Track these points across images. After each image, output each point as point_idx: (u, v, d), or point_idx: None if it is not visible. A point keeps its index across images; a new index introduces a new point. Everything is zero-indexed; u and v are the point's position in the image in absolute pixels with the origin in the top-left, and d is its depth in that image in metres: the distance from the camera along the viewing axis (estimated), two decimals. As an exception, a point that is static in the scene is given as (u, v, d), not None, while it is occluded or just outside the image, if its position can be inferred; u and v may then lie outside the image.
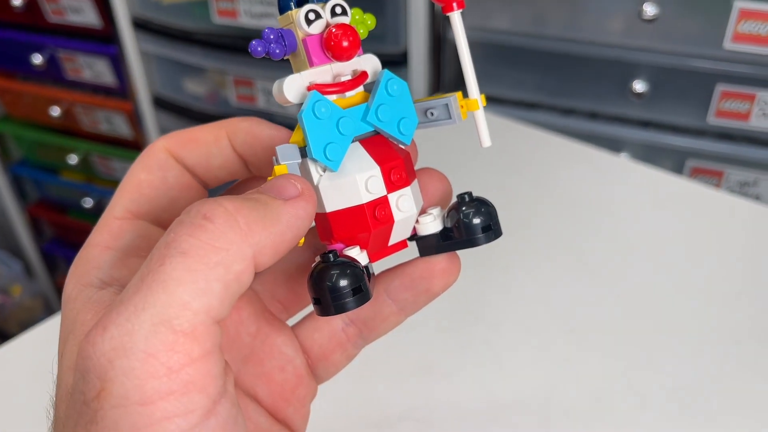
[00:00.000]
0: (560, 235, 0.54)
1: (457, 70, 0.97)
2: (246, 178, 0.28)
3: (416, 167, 0.27)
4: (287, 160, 0.23)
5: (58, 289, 1.72)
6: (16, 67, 1.30)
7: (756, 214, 0.56)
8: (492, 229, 0.24)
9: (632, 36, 0.80)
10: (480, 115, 0.25)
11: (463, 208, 0.25)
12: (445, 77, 0.96)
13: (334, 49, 0.23)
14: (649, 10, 0.76)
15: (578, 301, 0.48)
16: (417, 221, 0.25)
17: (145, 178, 0.24)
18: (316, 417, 0.28)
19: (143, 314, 0.17)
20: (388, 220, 0.24)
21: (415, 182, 0.26)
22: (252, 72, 1.05)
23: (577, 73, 0.87)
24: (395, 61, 0.94)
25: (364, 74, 0.25)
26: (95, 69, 1.21)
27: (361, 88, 0.25)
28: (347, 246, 0.24)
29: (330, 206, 0.24)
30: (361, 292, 0.23)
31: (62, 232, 1.63)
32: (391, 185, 0.24)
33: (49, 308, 1.68)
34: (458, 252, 0.26)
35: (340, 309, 0.23)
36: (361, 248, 0.24)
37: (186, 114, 1.17)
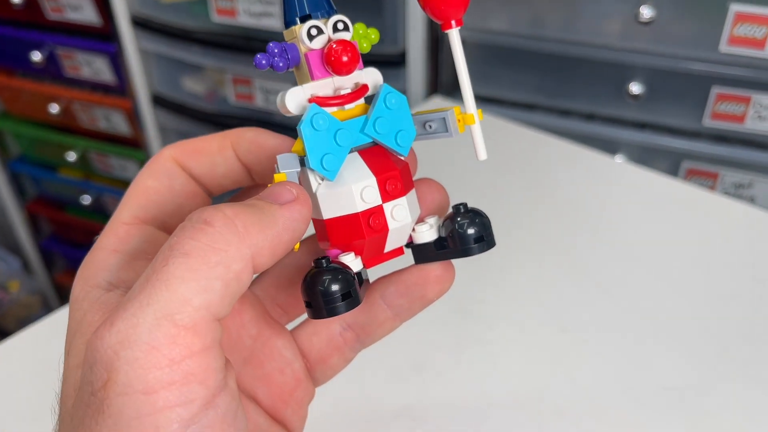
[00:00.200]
0: (555, 236, 0.55)
1: (453, 71, 0.97)
2: (249, 186, 0.29)
3: (417, 176, 0.27)
4: (287, 169, 0.24)
5: (56, 285, 1.72)
6: (16, 64, 1.30)
7: (748, 216, 0.57)
8: (485, 240, 0.25)
9: (629, 38, 0.81)
10: (476, 129, 0.26)
11: (458, 219, 0.25)
12: (442, 78, 0.96)
13: (334, 64, 0.24)
14: (646, 12, 0.77)
15: (572, 301, 0.48)
16: (413, 229, 0.26)
17: (152, 185, 0.25)
18: (310, 415, 0.29)
19: (147, 309, 0.18)
20: (383, 229, 0.25)
21: (413, 192, 0.26)
22: (251, 71, 1.05)
23: (575, 74, 0.87)
24: (393, 62, 0.94)
25: (364, 88, 0.26)
26: (94, 67, 1.21)
27: (361, 101, 0.26)
28: (343, 252, 0.25)
29: (327, 213, 0.25)
30: (350, 297, 0.24)
31: (60, 228, 1.63)
32: (387, 195, 0.25)
33: (46, 304, 1.68)
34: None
35: (330, 313, 0.24)
36: (356, 254, 0.25)
37: (185, 112, 1.17)
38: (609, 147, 0.89)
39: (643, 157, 0.88)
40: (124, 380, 0.18)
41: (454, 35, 0.25)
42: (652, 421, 0.40)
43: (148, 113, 1.22)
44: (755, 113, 0.79)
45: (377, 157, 0.25)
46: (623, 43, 0.81)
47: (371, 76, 0.26)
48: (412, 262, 0.27)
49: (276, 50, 0.24)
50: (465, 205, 0.26)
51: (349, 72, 0.25)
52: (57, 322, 0.48)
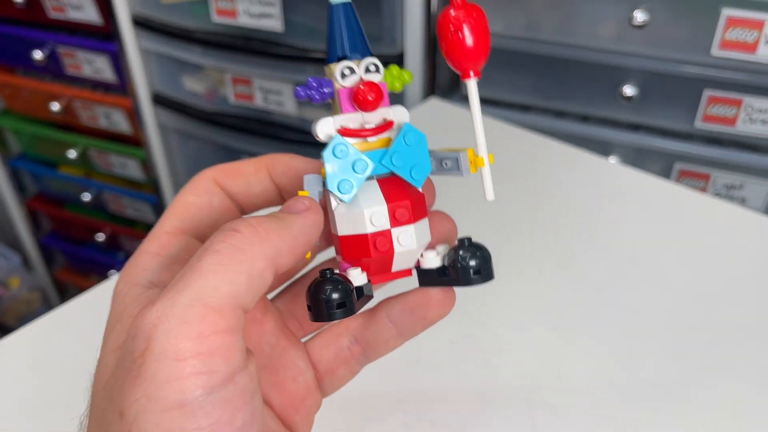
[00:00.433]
0: (548, 236, 0.56)
1: (450, 72, 0.98)
2: None
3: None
4: (310, 188, 0.28)
5: (56, 282, 1.73)
6: (17, 63, 1.31)
7: (738, 217, 0.58)
8: (482, 273, 0.28)
9: (623, 41, 0.82)
10: (486, 171, 0.28)
11: (461, 252, 0.28)
12: (440, 78, 0.97)
13: (360, 102, 0.28)
14: (639, 16, 0.78)
15: (563, 300, 0.49)
16: (422, 255, 0.29)
17: (192, 201, 0.29)
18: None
19: (183, 294, 0.22)
20: (388, 251, 0.28)
21: (424, 221, 0.29)
22: (250, 71, 1.06)
23: (570, 76, 0.88)
24: (392, 63, 0.95)
25: (388, 124, 0.29)
26: (95, 65, 1.22)
27: (384, 135, 0.28)
28: (352, 266, 0.28)
29: (341, 231, 0.28)
30: (345, 307, 0.27)
31: (60, 225, 1.64)
32: (395, 221, 0.28)
33: (46, 301, 1.69)
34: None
35: (327, 318, 0.27)
36: (362, 270, 0.28)
37: (184, 111, 1.18)
38: (604, 148, 0.90)
39: (637, 158, 0.90)
40: (160, 348, 0.21)
41: (472, 85, 0.28)
42: (640, 416, 0.41)
43: (149, 112, 1.23)
44: (746, 116, 0.80)
45: (393, 186, 0.28)
46: (617, 46, 0.82)
47: (398, 114, 0.29)
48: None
49: (314, 84, 0.28)
50: (469, 239, 0.29)
51: (373, 109, 0.28)
52: (57, 318, 0.49)
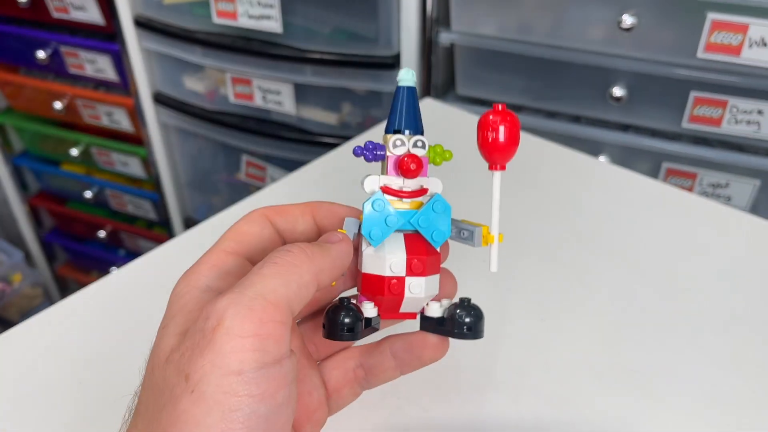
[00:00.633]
0: (538, 231, 0.58)
1: (445, 73, 1.00)
2: None
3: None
4: (348, 228, 0.33)
5: (57, 278, 1.75)
6: (21, 61, 1.33)
7: (720, 214, 0.60)
8: (472, 331, 0.33)
9: (612, 44, 0.84)
10: (495, 247, 0.33)
11: (458, 310, 0.33)
12: (435, 81, 0.99)
13: (403, 170, 0.33)
14: (628, 20, 0.80)
15: (549, 293, 0.52)
16: (427, 304, 0.34)
17: (247, 230, 0.33)
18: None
19: (249, 289, 0.27)
20: (399, 295, 0.33)
21: (436, 276, 0.34)
22: (250, 71, 1.08)
23: (561, 78, 0.90)
24: (387, 64, 0.98)
25: (423, 190, 0.34)
26: (97, 65, 1.23)
27: (419, 199, 0.34)
28: (367, 299, 0.33)
29: (365, 269, 0.33)
30: (352, 332, 0.32)
31: (62, 222, 1.66)
32: (410, 271, 0.33)
33: (48, 296, 1.71)
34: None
35: (337, 337, 0.32)
36: (375, 305, 0.33)
37: (185, 110, 1.20)
38: (594, 147, 0.92)
39: (626, 157, 0.92)
40: (229, 325, 0.26)
41: (497, 176, 0.33)
42: (619, 400, 0.43)
43: (150, 111, 1.24)
44: (732, 117, 0.83)
45: (416, 242, 0.33)
46: (606, 48, 0.85)
47: (433, 184, 0.34)
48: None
49: (370, 146, 0.33)
50: (468, 300, 0.34)
51: (413, 177, 0.33)
52: (56, 314, 0.51)
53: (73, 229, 1.64)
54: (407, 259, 0.33)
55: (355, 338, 0.32)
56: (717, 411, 0.43)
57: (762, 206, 0.88)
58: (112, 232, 1.57)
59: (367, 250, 0.33)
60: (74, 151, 1.40)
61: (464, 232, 0.34)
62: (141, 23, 1.13)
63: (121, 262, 1.55)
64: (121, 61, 1.20)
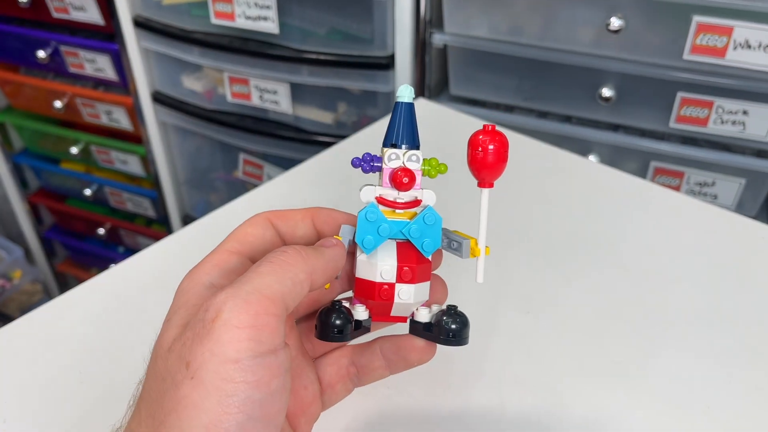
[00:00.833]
0: (525, 227, 0.60)
1: (439, 73, 1.02)
2: None
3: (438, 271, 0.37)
4: (344, 234, 0.35)
5: (57, 274, 1.76)
6: (21, 61, 1.34)
7: (705, 212, 0.62)
8: (456, 338, 0.35)
9: (600, 46, 0.85)
10: (481, 260, 0.35)
11: (444, 317, 0.35)
12: (428, 81, 1.01)
13: (395, 184, 0.35)
14: (615, 22, 0.82)
15: (536, 287, 0.53)
16: (417, 309, 0.36)
17: (250, 231, 0.35)
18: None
19: (246, 285, 0.29)
20: (389, 300, 0.35)
21: (426, 283, 0.35)
22: (247, 71, 1.09)
23: (551, 78, 0.92)
24: (382, 65, 0.99)
25: (417, 202, 0.35)
26: (97, 64, 1.25)
27: (412, 210, 0.35)
28: (359, 303, 0.35)
29: (358, 274, 0.35)
30: (342, 334, 0.34)
31: (62, 219, 1.67)
32: (400, 278, 0.35)
33: (48, 292, 1.72)
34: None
35: (327, 338, 0.34)
36: (366, 308, 0.35)
37: (184, 109, 1.21)
38: (584, 147, 0.94)
39: (616, 156, 0.93)
40: (227, 317, 0.27)
41: (486, 193, 0.35)
42: (601, 389, 0.45)
43: (149, 110, 1.26)
44: (717, 117, 0.84)
45: (407, 251, 0.35)
46: (595, 50, 0.86)
47: (426, 196, 0.36)
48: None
49: (368, 158, 0.35)
50: (455, 307, 0.35)
51: (405, 190, 0.35)
52: (55, 308, 0.52)
53: (73, 226, 1.65)
54: (398, 266, 0.35)
55: (344, 339, 0.34)
56: (696, 400, 0.45)
57: (747, 204, 0.90)
58: (112, 229, 1.57)
59: (360, 257, 0.35)
60: (74, 150, 1.41)
61: (454, 243, 0.35)
62: (140, 23, 1.14)
63: (120, 259, 1.55)
64: (120, 61, 1.21)
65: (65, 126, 1.42)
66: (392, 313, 0.36)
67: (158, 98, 1.23)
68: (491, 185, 0.35)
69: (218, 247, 0.35)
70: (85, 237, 1.66)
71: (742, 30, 0.77)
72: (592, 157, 0.93)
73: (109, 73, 1.25)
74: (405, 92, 0.36)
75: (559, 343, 0.49)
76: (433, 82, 1.01)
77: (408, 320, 0.36)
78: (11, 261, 1.57)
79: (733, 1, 0.76)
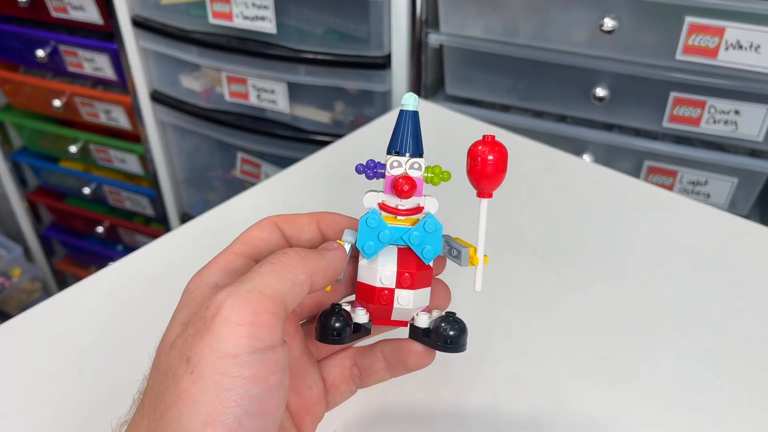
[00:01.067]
0: (519, 225, 0.61)
1: (435, 73, 1.03)
2: None
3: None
4: (346, 239, 0.36)
5: (56, 272, 1.76)
6: (20, 60, 1.34)
7: (698, 211, 0.63)
8: (453, 345, 0.35)
9: (594, 46, 0.86)
10: (479, 269, 0.35)
11: (443, 324, 0.35)
12: (424, 79, 1.01)
13: (396, 191, 0.35)
14: (609, 23, 0.82)
15: (528, 284, 0.54)
16: (417, 314, 0.36)
17: (257, 234, 0.36)
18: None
19: (247, 284, 0.30)
20: (388, 305, 0.35)
21: (426, 289, 0.36)
22: (245, 70, 1.10)
23: (546, 78, 0.93)
24: (378, 65, 1.00)
25: (418, 209, 0.36)
26: (96, 63, 1.25)
27: (414, 216, 0.36)
28: (361, 306, 0.36)
29: (360, 278, 0.36)
30: (340, 336, 0.35)
31: (61, 218, 1.67)
32: (399, 284, 0.35)
33: (47, 291, 1.72)
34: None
35: (325, 341, 0.35)
36: (367, 311, 0.36)
37: (182, 108, 1.21)
38: (579, 146, 0.95)
39: (610, 156, 0.94)
40: (227, 314, 0.28)
41: (484, 203, 0.35)
42: (591, 385, 0.46)
43: (147, 109, 1.26)
44: (710, 116, 0.85)
45: (408, 257, 0.36)
46: (589, 50, 0.87)
47: (428, 204, 0.36)
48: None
49: (371, 165, 0.36)
50: (454, 314, 0.36)
51: (406, 197, 0.35)
52: (54, 306, 0.52)
53: (72, 224, 1.66)
54: (397, 272, 0.35)
55: (342, 342, 0.35)
56: (686, 397, 0.45)
57: (740, 203, 0.91)
58: (110, 227, 1.58)
59: (362, 261, 0.36)
60: (73, 148, 1.41)
61: (454, 250, 0.36)
62: (139, 23, 1.14)
63: (119, 257, 1.54)
64: (119, 60, 1.22)
65: (64, 125, 1.43)
66: (392, 318, 0.36)
67: (157, 97, 1.23)
68: (490, 195, 0.35)
69: (226, 249, 0.36)
70: (83, 235, 1.67)
71: (734, 31, 0.78)
72: (586, 157, 0.94)
73: (108, 72, 1.25)
74: (410, 101, 0.36)
75: (549, 339, 0.49)
76: (429, 81, 1.02)
77: (408, 325, 0.37)
78: (10, 259, 1.58)
79: (724, 2, 0.77)
